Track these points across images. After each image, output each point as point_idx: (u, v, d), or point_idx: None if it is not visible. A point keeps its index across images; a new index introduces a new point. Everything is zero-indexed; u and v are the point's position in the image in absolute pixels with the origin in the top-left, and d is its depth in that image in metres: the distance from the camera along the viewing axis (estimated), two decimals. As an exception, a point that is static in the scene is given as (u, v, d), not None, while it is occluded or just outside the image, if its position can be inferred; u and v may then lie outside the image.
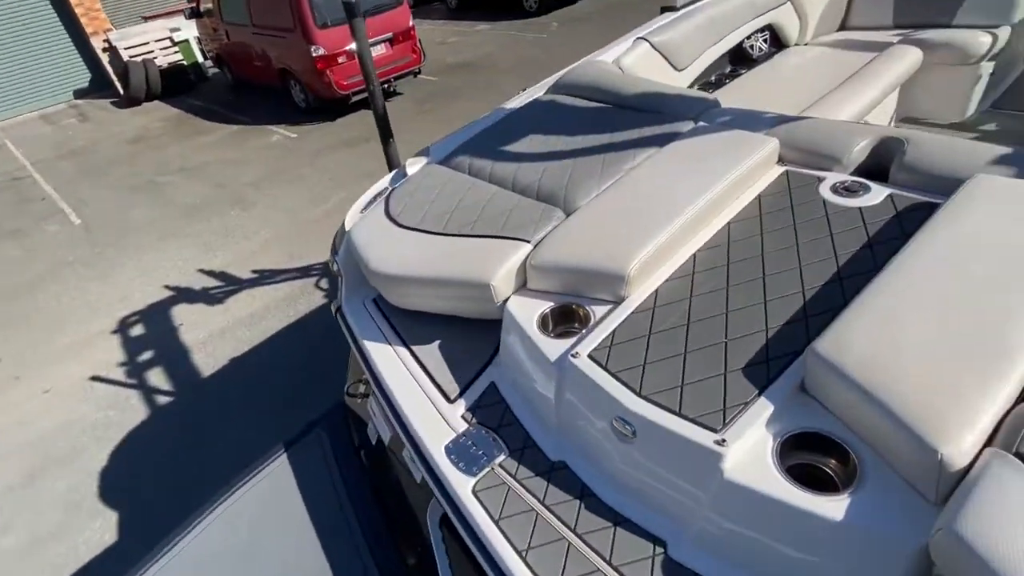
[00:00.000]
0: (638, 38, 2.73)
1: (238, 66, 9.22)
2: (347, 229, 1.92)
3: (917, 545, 0.86)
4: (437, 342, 1.65)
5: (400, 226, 1.74)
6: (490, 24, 10.91)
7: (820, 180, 1.60)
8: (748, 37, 3.33)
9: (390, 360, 1.65)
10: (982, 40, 3.08)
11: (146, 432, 3.41)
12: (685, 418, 1.07)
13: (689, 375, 1.15)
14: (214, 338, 4.05)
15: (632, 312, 1.32)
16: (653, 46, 2.70)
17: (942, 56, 3.08)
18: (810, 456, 1.02)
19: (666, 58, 2.75)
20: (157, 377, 3.82)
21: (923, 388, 0.93)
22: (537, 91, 2.47)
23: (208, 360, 3.87)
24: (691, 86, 3.06)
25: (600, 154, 1.82)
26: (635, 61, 2.63)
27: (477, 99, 7.12)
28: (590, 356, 1.24)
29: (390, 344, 1.70)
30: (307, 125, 7.61)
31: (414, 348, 1.65)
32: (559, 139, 1.97)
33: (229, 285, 4.64)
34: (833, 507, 0.92)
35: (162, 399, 3.64)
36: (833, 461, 1.00)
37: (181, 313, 4.41)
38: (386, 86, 7.60)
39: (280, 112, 8.18)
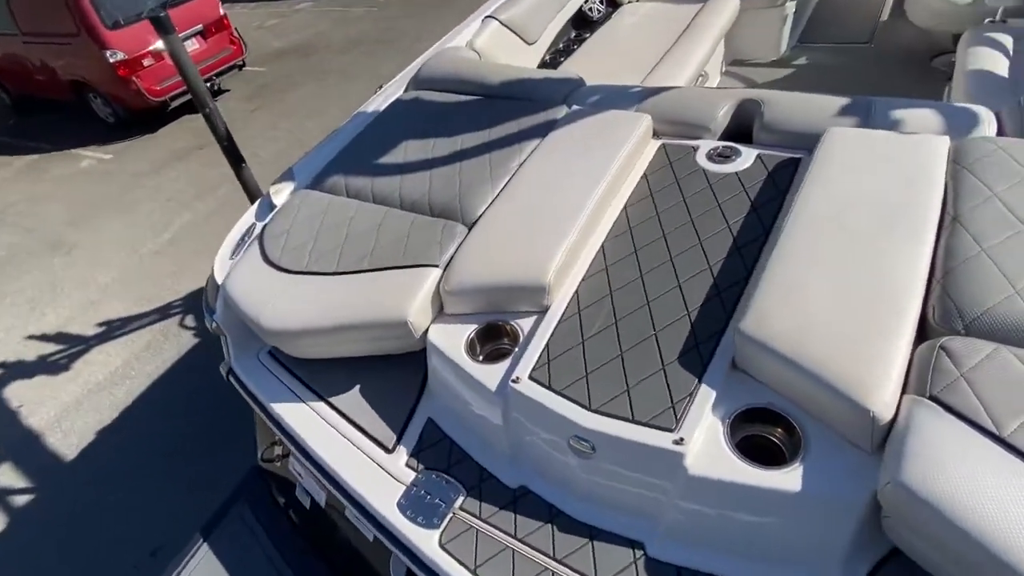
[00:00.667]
0: (486, 17, 2.65)
1: (15, 83, 7.72)
2: (220, 282, 1.69)
3: (866, 494, 0.94)
4: (356, 387, 1.53)
5: (285, 271, 1.56)
6: (311, 1, 10.11)
7: (695, 149, 1.67)
8: (586, 1, 3.38)
9: (307, 418, 1.50)
10: None
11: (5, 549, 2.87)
12: (640, 424, 1.08)
13: (631, 377, 1.16)
14: (68, 413, 3.48)
15: (559, 320, 1.30)
16: (502, 23, 2.64)
17: (753, 0, 3.35)
18: (757, 428, 1.08)
19: (517, 34, 2.71)
20: (4, 478, 3.21)
21: (840, 350, 1.01)
22: (396, 87, 2.31)
23: (67, 440, 3.33)
24: (544, 58, 3.06)
25: (483, 154, 1.75)
26: (488, 41, 2.56)
27: (314, 85, 6.64)
28: (531, 378, 1.20)
29: (302, 400, 1.54)
30: (122, 143, 6.62)
31: (331, 399, 1.52)
32: (435, 142, 1.86)
33: (73, 346, 3.99)
34: (788, 478, 0.98)
35: (17, 502, 3.08)
36: (779, 429, 1.07)
37: (16, 393, 3.73)
38: (210, 85, 6.79)
39: (84, 131, 7.02)
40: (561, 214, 1.45)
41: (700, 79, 3.00)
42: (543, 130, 1.78)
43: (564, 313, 1.31)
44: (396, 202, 1.69)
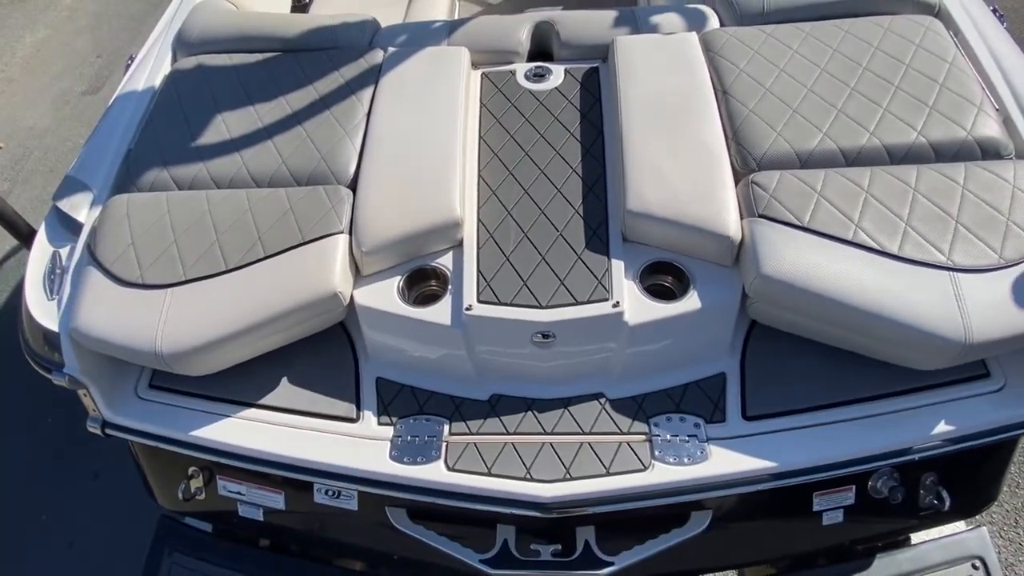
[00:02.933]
0: None
1: None
2: (58, 329, 1.39)
3: (738, 293, 1.36)
4: (282, 379, 1.47)
5: (157, 287, 1.36)
6: None
7: (512, 74, 1.87)
8: None
9: (242, 428, 1.42)
10: None
11: None
12: (584, 303, 1.33)
13: (559, 271, 1.39)
14: None
15: (479, 247, 1.44)
16: None
17: None
18: (655, 278, 1.42)
19: None
20: None
21: (696, 204, 1.38)
22: (155, 58, 1.97)
23: None
24: (294, 2, 2.86)
25: (321, 111, 1.69)
26: None
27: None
28: (481, 301, 1.35)
29: (223, 415, 1.44)
30: None
31: (262, 401, 1.44)
32: (256, 109, 1.72)
33: None
34: (691, 302, 1.35)
35: None
36: (669, 276, 1.43)
37: None
38: None
39: None
40: (437, 153, 1.54)
41: (451, 3, 3.15)
42: (370, 76, 1.78)
43: (478, 241, 1.46)
44: (248, 181, 1.56)
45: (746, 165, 1.48)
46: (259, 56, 1.88)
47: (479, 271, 1.40)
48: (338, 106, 1.70)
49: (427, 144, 1.57)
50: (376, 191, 1.49)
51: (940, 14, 1.81)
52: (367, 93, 1.74)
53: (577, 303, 1.33)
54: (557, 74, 1.85)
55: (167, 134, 1.67)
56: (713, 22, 1.91)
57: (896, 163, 1.45)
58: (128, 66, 2.00)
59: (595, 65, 1.88)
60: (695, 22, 1.91)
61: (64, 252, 1.51)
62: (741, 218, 1.39)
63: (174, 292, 1.35)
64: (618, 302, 1.33)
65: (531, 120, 1.72)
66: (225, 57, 1.89)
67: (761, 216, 1.36)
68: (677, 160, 1.46)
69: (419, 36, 1.95)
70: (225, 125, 1.68)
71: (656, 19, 1.92)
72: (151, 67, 1.93)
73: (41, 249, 1.54)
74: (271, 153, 1.60)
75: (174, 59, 1.97)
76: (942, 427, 1.32)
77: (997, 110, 1.53)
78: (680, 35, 1.83)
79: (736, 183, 1.46)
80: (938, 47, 1.63)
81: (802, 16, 1.83)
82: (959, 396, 1.36)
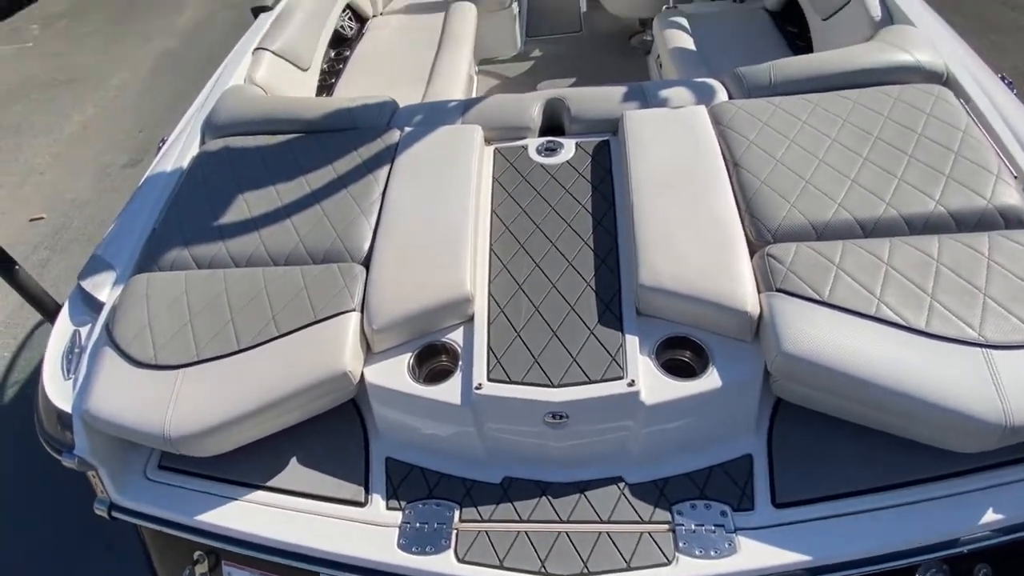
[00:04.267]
0: (257, 49, 2.51)
1: None
2: (71, 409, 1.40)
3: (759, 370, 1.31)
4: (291, 460, 1.45)
5: (169, 367, 1.37)
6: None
7: (524, 148, 1.91)
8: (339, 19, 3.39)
9: (249, 512, 1.38)
10: None
11: None
12: (598, 381, 1.29)
13: (571, 347, 1.36)
14: None
15: (489, 323, 1.43)
16: (276, 54, 2.53)
17: (489, 4, 3.75)
18: (671, 353, 1.38)
19: (291, 62, 2.63)
20: None
21: (712, 277, 1.35)
22: (185, 139, 2.08)
23: None
24: (319, 84, 3.01)
25: (339, 190, 1.74)
26: (266, 74, 2.44)
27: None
28: (491, 380, 1.32)
29: (232, 497, 1.41)
30: None
31: (269, 483, 1.41)
32: (277, 189, 1.78)
33: None
34: (710, 380, 1.30)
35: None
36: (687, 351, 1.38)
37: None
38: None
39: None
40: (449, 229, 1.56)
41: (469, 81, 3.29)
42: (387, 155, 1.84)
43: (489, 316, 1.45)
44: (266, 260, 1.59)
45: (761, 237, 1.45)
46: (282, 137, 1.97)
47: (490, 348, 1.38)
48: (355, 185, 1.75)
49: (439, 220, 1.59)
50: (388, 268, 1.50)
51: (948, 82, 1.81)
52: (383, 172, 1.79)
53: (590, 381, 1.29)
54: (568, 148, 1.88)
55: (190, 214, 1.73)
56: (722, 95, 1.94)
57: (915, 234, 1.41)
58: (160, 148, 2.11)
59: (606, 139, 1.91)
60: (704, 95, 1.94)
61: (84, 331, 1.54)
62: (758, 292, 1.35)
63: (186, 373, 1.36)
64: (633, 380, 1.28)
65: (542, 193, 1.74)
66: (250, 139, 1.97)
67: (779, 290, 1.32)
68: (690, 233, 1.45)
69: (435, 115, 2.01)
70: (246, 204, 1.74)
71: (665, 93, 1.96)
72: (180, 149, 2.03)
73: (62, 328, 1.58)
74: (289, 232, 1.64)
75: (202, 141, 2.07)
76: (992, 515, 1.22)
77: (1016, 177, 1.49)
78: (689, 108, 1.85)
79: (751, 256, 1.43)
80: (949, 115, 1.62)
81: (809, 88, 1.84)
82: (1009, 480, 1.26)
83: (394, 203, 1.67)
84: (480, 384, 1.32)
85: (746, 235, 1.47)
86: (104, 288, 1.61)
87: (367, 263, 1.56)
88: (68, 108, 5.82)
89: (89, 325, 1.55)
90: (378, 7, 3.84)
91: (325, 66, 3.24)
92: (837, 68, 1.86)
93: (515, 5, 3.95)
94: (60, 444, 1.41)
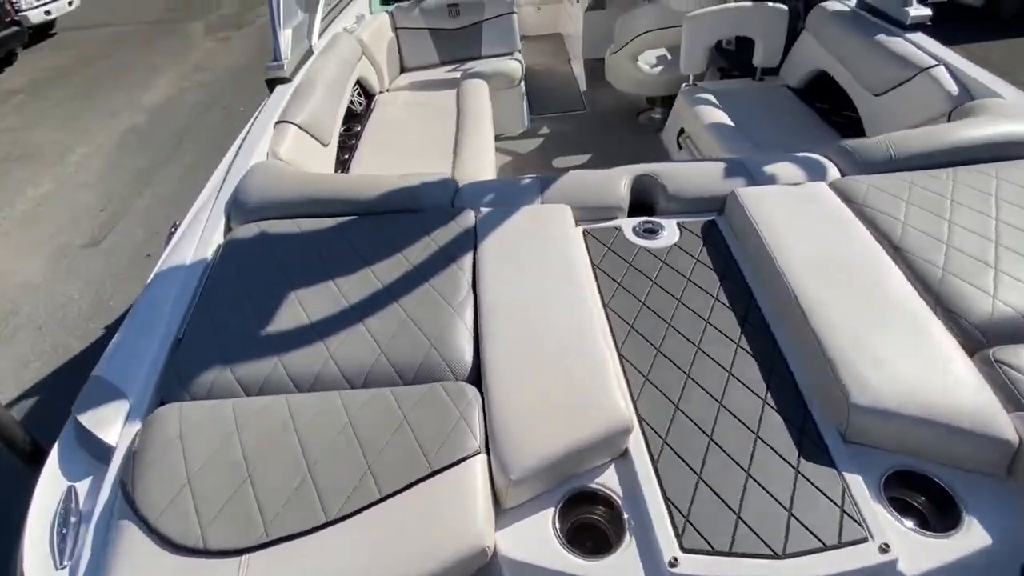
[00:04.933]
0: (279, 122, 2.21)
1: None
2: None
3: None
4: None
5: (226, 554, 0.94)
6: None
7: (618, 230, 1.65)
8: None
9: None
10: (515, 65, 3.77)
11: None
12: (836, 547, 0.95)
13: (779, 495, 1.02)
14: None
15: (654, 461, 1.09)
16: (301, 127, 2.24)
17: (497, 83, 3.63)
18: (900, 492, 1.06)
19: (314, 137, 2.34)
20: None
21: (943, 393, 1.06)
22: (204, 226, 1.70)
23: None
24: (339, 159, 2.73)
25: (418, 286, 1.40)
26: (291, 148, 2.14)
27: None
28: (686, 550, 0.96)
29: None
30: None
31: None
32: (338, 285, 1.43)
33: None
34: (975, 535, 0.97)
35: None
36: (920, 495, 1.06)
37: None
38: None
39: None
40: (575, 336, 1.23)
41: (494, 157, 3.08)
42: (466, 241, 1.53)
43: (650, 450, 1.11)
44: (338, 380, 1.22)
45: (969, 338, 1.20)
46: (330, 221, 1.64)
47: (667, 499, 1.03)
48: (437, 278, 1.42)
49: (558, 323, 1.27)
50: (512, 391, 1.14)
51: None
52: (467, 260, 1.48)
53: (827, 547, 0.96)
54: (670, 229, 1.63)
55: (226, 319, 1.35)
56: (832, 171, 1.76)
57: None
58: (171, 235, 1.73)
59: (710, 218, 1.67)
60: (813, 171, 1.75)
61: (83, 489, 1.10)
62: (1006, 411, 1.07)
63: (251, 562, 0.94)
64: (887, 544, 0.95)
65: (658, 282, 1.46)
66: (291, 223, 1.63)
67: None
68: (887, 333, 1.18)
69: (508, 194, 1.74)
70: (300, 305, 1.37)
71: (769, 169, 1.76)
72: (201, 236, 1.65)
73: (50, 484, 1.12)
74: (364, 341, 1.28)
75: (228, 227, 1.71)
76: None
77: None
78: (809, 185, 1.65)
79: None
80: None
81: (932, 163, 1.68)
82: None
83: (492, 300, 1.34)
84: (675, 559, 0.96)
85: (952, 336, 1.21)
86: (111, 425, 1.18)
87: (475, 380, 1.21)
88: (21, 184, 5.30)
89: (92, 480, 1.11)
90: (385, 83, 3.68)
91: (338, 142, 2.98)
92: (955, 143, 1.71)
93: (522, 84, 3.86)
94: None
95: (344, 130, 3.12)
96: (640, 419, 1.16)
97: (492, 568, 1.04)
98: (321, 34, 3.03)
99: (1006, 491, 1.03)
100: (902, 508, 1.04)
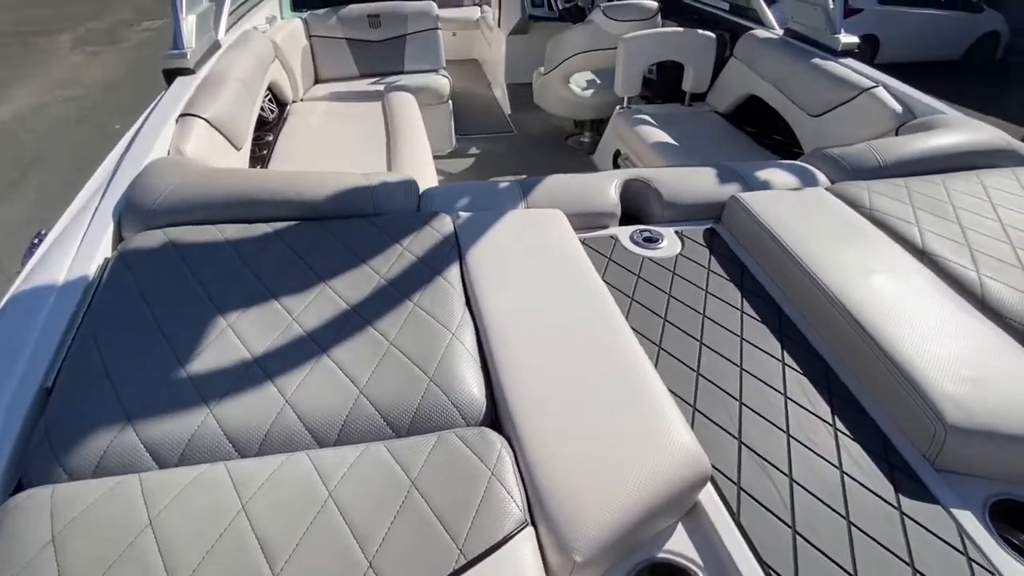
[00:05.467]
0: (185, 115, 1.79)
1: None
2: None
3: None
4: None
5: None
6: None
7: (616, 239, 1.45)
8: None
9: None
10: (443, 81, 3.57)
11: None
12: None
13: (891, 543, 0.82)
14: None
15: (733, 515, 0.84)
16: (210, 123, 1.84)
17: (425, 98, 3.40)
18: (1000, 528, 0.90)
19: (225, 135, 1.94)
20: None
21: None
22: (75, 236, 1.26)
23: None
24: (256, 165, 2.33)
25: (395, 307, 1.09)
26: (199, 145, 1.73)
27: None
28: None
29: None
30: None
31: None
32: (285, 304, 1.07)
33: None
34: None
35: None
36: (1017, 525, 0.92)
37: None
38: None
39: None
40: (614, 366, 0.98)
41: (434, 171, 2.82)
42: (446, 250, 1.24)
43: (725, 501, 0.87)
44: (300, 437, 0.86)
45: None
46: (265, 227, 1.28)
47: (762, 563, 0.79)
48: (421, 295, 1.11)
49: (586, 348, 1.01)
50: (551, 439, 0.85)
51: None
52: (453, 273, 1.19)
53: None
54: (669, 238, 1.46)
55: (122, 359, 0.95)
56: (822, 178, 1.68)
57: None
58: (32, 250, 1.26)
59: (708, 226, 1.52)
60: (806, 178, 1.66)
61: None
62: None
63: None
64: None
65: (675, 296, 1.26)
66: (210, 230, 1.25)
67: None
68: (957, 343, 1.04)
69: (485, 198, 1.48)
70: (237, 336, 1.00)
71: (763, 175, 1.65)
72: (79, 249, 1.21)
73: None
74: (334, 381, 0.93)
75: (118, 237, 1.29)
76: None
77: None
78: (809, 190, 1.55)
79: None
80: None
81: (916, 170, 1.65)
82: None
83: (499, 323, 1.05)
84: None
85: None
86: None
87: (493, 422, 0.92)
88: None
89: None
90: (299, 92, 3.31)
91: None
92: (933, 151, 1.70)
93: (449, 103, 3.67)
94: None
95: (254, 139, 2.71)
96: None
97: None
98: (228, 30, 2.63)
99: None
100: (1008, 544, 0.89)
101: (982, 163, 1.69)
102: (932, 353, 1.02)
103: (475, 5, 6.03)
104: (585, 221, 1.48)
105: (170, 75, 2.04)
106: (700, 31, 3.16)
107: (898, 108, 2.17)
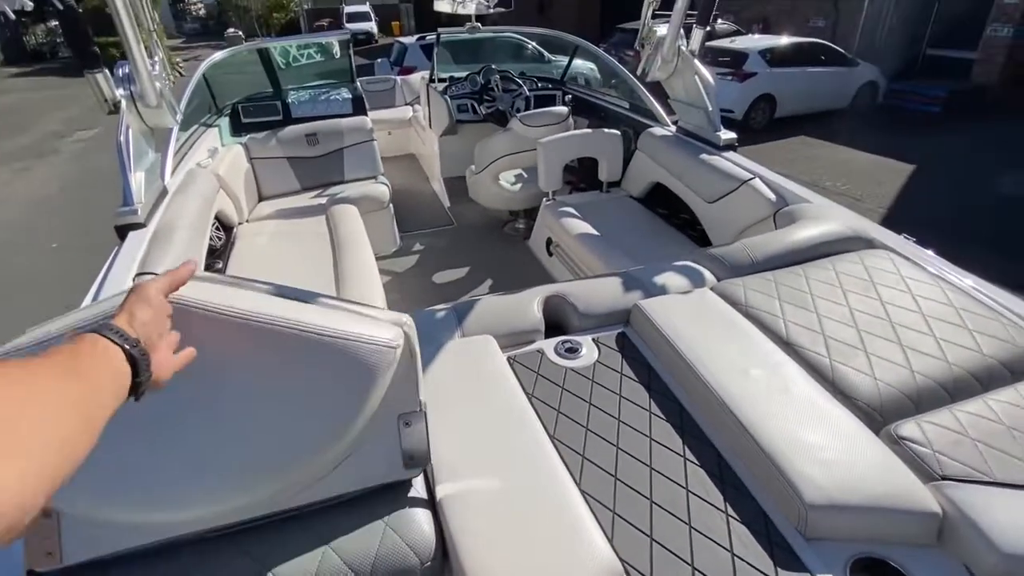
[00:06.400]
0: (140, 273, 1.95)
1: None
2: None
3: None
4: None
5: None
6: None
7: (541, 353, 1.67)
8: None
9: None
10: (382, 188, 3.83)
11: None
12: None
13: None
14: None
15: None
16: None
17: (366, 205, 3.65)
18: None
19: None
20: None
21: (875, 478, 1.18)
22: None
23: None
24: None
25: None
26: None
27: None
28: None
29: None
30: None
31: None
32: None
33: None
34: None
35: None
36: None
37: None
38: None
39: None
40: (541, 486, 1.18)
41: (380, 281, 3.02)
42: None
43: None
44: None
45: (870, 420, 1.36)
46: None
47: None
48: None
49: (515, 469, 1.21)
50: (491, 568, 1.04)
51: (873, 244, 2.07)
52: None
53: None
54: (588, 346, 1.69)
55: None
56: (709, 276, 1.98)
57: (991, 388, 1.45)
58: None
59: (620, 330, 1.77)
60: (695, 278, 1.96)
61: None
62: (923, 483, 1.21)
63: None
64: None
65: (595, 403, 1.48)
66: None
67: (945, 478, 1.20)
68: (813, 429, 1.29)
69: (426, 327, 1.69)
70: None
71: (660, 279, 1.93)
72: None
73: None
74: (302, 534, 1.09)
75: None
76: None
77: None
78: (697, 292, 1.83)
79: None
80: (914, 271, 1.82)
81: (781, 263, 1.97)
82: None
83: (442, 464, 1.24)
84: None
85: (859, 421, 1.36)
86: None
87: (441, 553, 1.09)
88: None
89: None
90: (244, 214, 3.49)
91: None
92: (796, 244, 2.04)
93: (391, 205, 3.92)
94: None
95: (205, 268, 2.85)
96: (622, 561, 1.12)
97: None
98: (174, 171, 2.82)
99: (940, 557, 1.14)
100: None
101: (837, 249, 2.04)
102: (796, 440, 1.27)
103: (407, 105, 6.46)
104: (514, 339, 1.71)
105: (122, 230, 2.20)
106: (606, 130, 3.57)
107: (772, 197, 2.55)
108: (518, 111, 4.64)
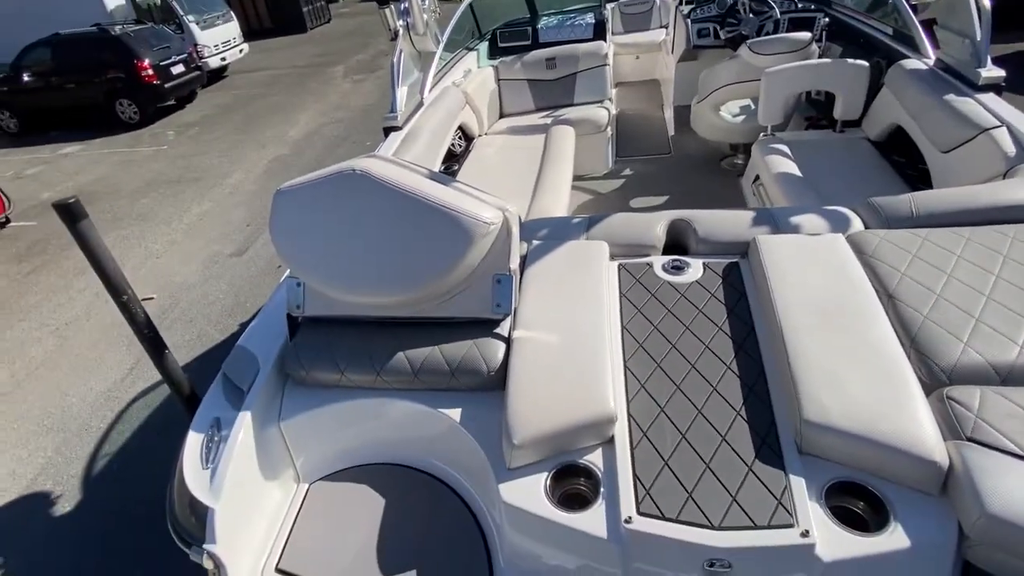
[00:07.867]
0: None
1: None
2: (209, 503, 1.39)
3: (951, 531, 1.14)
4: None
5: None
6: (81, 144, 9.05)
7: (650, 266, 1.91)
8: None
9: None
10: (602, 113, 4.11)
11: None
12: (765, 528, 1.16)
13: (728, 484, 1.25)
14: None
15: (632, 447, 1.35)
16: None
17: (584, 128, 3.99)
18: (841, 500, 1.23)
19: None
20: None
21: (889, 418, 1.23)
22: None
23: None
24: None
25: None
26: None
27: (108, 235, 5.81)
28: (642, 513, 1.22)
29: None
30: None
31: None
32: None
33: None
34: (896, 537, 1.14)
35: None
36: (860, 502, 1.24)
37: None
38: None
39: None
40: (586, 347, 1.53)
41: (569, 195, 3.44)
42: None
43: (631, 440, 1.37)
44: (404, 372, 1.61)
45: (934, 377, 1.34)
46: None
47: (636, 476, 1.29)
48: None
49: (574, 336, 1.56)
50: (526, 385, 1.47)
51: None
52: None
53: (756, 527, 1.17)
54: (695, 267, 1.87)
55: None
56: (856, 224, 1.91)
57: None
58: None
59: (734, 261, 1.89)
60: (837, 224, 1.91)
61: (224, 419, 1.56)
62: (943, 440, 1.22)
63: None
64: (807, 531, 1.15)
65: (674, 311, 1.71)
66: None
67: (970, 440, 1.19)
68: (853, 367, 1.35)
69: (561, 230, 2.07)
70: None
71: (796, 219, 1.95)
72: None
73: (204, 415, 1.60)
74: (418, 338, 1.65)
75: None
76: None
77: None
78: (826, 236, 1.82)
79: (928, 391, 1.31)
80: None
81: (954, 221, 1.78)
82: None
83: (526, 318, 1.67)
84: (630, 517, 1.22)
85: (916, 374, 1.36)
86: (247, 379, 1.65)
87: (503, 375, 1.54)
88: (189, 202, 6.44)
89: (230, 412, 1.57)
90: (484, 127, 4.17)
91: None
92: (984, 203, 1.81)
93: (609, 128, 4.19)
94: (190, 536, 1.39)
95: (444, 169, 3.63)
96: (629, 415, 1.42)
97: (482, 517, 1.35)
98: (432, 88, 3.59)
99: (938, 507, 1.17)
100: (844, 513, 1.22)
101: None
102: (826, 368, 1.34)
103: (661, 27, 6.41)
104: (631, 251, 1.97)
105: (387, 131, 3.01)
106: (850, 60, 3.22)
107: (1010, 151, 2.16)
108: (767, 35, 4.33)
